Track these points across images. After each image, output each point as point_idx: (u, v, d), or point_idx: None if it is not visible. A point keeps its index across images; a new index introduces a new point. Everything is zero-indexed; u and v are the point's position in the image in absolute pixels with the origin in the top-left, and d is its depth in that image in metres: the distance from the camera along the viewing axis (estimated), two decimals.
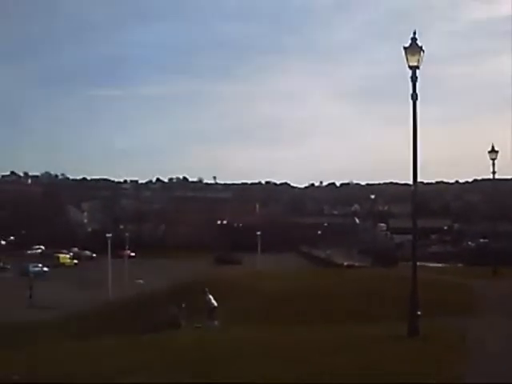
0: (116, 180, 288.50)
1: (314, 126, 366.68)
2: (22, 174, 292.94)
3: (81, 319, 47.28)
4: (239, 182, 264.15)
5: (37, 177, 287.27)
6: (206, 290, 31.17)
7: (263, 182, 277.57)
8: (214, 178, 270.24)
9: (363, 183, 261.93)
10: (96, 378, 13.28)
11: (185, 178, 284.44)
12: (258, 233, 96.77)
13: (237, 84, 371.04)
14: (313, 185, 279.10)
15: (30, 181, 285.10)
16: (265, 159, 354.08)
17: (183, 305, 32.28)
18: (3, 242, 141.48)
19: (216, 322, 29.15)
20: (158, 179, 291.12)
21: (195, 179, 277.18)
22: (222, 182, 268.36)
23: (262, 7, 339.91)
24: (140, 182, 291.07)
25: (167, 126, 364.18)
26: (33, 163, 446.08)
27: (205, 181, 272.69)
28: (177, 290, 48.58)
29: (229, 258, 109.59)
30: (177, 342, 20.18)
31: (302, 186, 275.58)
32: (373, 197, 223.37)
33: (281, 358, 15.26)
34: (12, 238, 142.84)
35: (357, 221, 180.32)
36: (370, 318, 28.05)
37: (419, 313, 17.97)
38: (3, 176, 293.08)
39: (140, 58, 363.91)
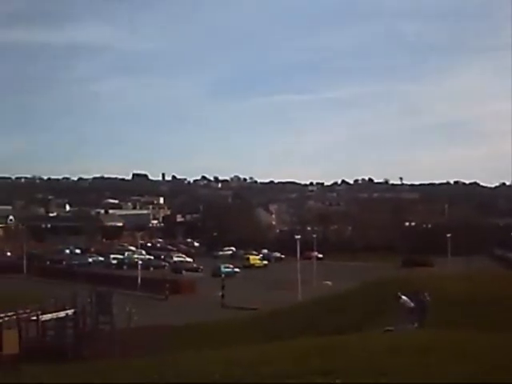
0: (302, 182, 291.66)
1: (504, 124, 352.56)
2: (212, 179, 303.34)
3: (271, 319, 48.12)
4: (426, 182, 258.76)
5: (227, 181, 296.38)
6: (399, 293, 30.44)
7: (451, 181, 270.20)
8: (401, 178, 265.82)
9: None
10: (298, 378, 13.44)
11: (370, 180, 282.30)
12: (448, 235, 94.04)
13: (420, 82, 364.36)
14: (504, 184, 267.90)
15: (220, 185, 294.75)
16: (453, 159, 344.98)
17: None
18: (196, 244, 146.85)
19: (414, 325, 28.20)
20: (343, 181, 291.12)
21: (381, 180, 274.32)
22: (409, 183, 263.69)
23: (440, 6, 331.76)
24: (326, 184, 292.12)
25: (351, 127, 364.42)
26: (222, 168, 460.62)
27: (391, 182, 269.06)
28: (366, 292, 48.28)
29: (418, 260, 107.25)
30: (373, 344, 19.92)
31: (493, 185, 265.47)
32: None
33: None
34: (204, 239, 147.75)
35: None
36: None
37: None
38: (195, 180, 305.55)
39: (318, 62, 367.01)
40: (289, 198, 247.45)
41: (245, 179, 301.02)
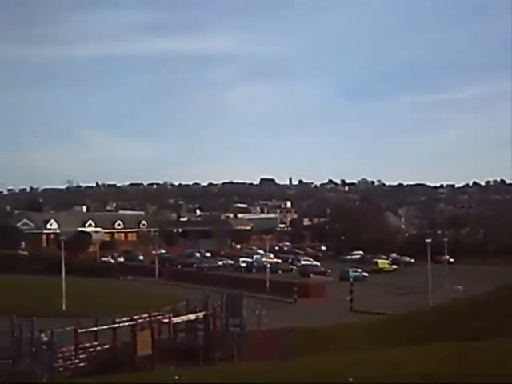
0: (432, 185, 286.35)
1: None
2: (339, 182, 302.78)
3: (401, 324, 47.34)
4: None
5: (354, 184, 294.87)
6: None
7: None
8: None
9: None
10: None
11: (502, 181, 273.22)
12: None
13: None
14: None
15: (347, 188, 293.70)
16: None
17: None
18: (324, 247, 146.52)
19: None
20: (474, 183, 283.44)
21: None
22: None
23: None
24: (456, 186, 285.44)
25: (482, 127, 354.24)
26: (350, 171, 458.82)
27: None
28: (501, 297, 46.67)
29: None
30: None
31: None
32: None
33: None
34: (332, 243, 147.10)
35: None
36: None
37: None
38: (322, 184, 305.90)
39: (449, 60, 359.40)
40: (418, 200, 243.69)
41: (372, 182, 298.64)
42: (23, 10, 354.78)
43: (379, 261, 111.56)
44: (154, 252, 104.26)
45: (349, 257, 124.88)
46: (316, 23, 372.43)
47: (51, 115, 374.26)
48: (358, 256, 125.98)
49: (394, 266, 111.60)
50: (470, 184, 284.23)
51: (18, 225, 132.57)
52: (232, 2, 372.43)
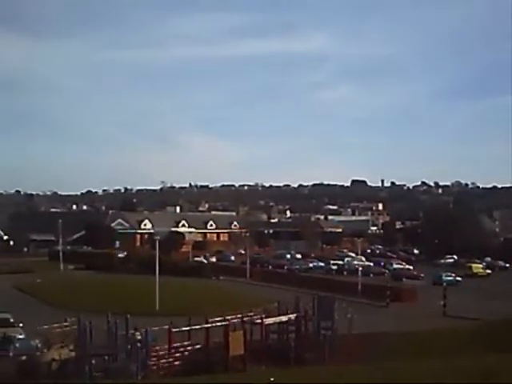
0: None
1: None
2: (432, 184, 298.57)
3: (494, 330, 46.38)
4: None
5: (447, 186, 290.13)
6: None
7: None
8: None
9: None
10: None
11: None
12: None
13: None
14: None
15: (440, 190, 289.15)
16: None
17: None
18: (416, 251, 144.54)
19: None
20: None
21: None
22: None
23: None
24: None
25: None
26: (443, 173, 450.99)
27: None
28: None
29: None
30: None
31: None
32: None
33: None
34: (424, 246, 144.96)
35: None
36: None
37: None
38: (414, 186, 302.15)
39: None
40: None
41: (466, 184, 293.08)
42: (121, 15, 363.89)
43: (473, 265, 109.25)
44: (242, 252, 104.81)
45: (442, 261, 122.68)
46: (413, 23, 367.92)
47: (146, 117, 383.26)
48: (451, 260, 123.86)
49: (489, 271, 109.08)
50: None
51: (112, 225, 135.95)
52: (326, 2, 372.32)
